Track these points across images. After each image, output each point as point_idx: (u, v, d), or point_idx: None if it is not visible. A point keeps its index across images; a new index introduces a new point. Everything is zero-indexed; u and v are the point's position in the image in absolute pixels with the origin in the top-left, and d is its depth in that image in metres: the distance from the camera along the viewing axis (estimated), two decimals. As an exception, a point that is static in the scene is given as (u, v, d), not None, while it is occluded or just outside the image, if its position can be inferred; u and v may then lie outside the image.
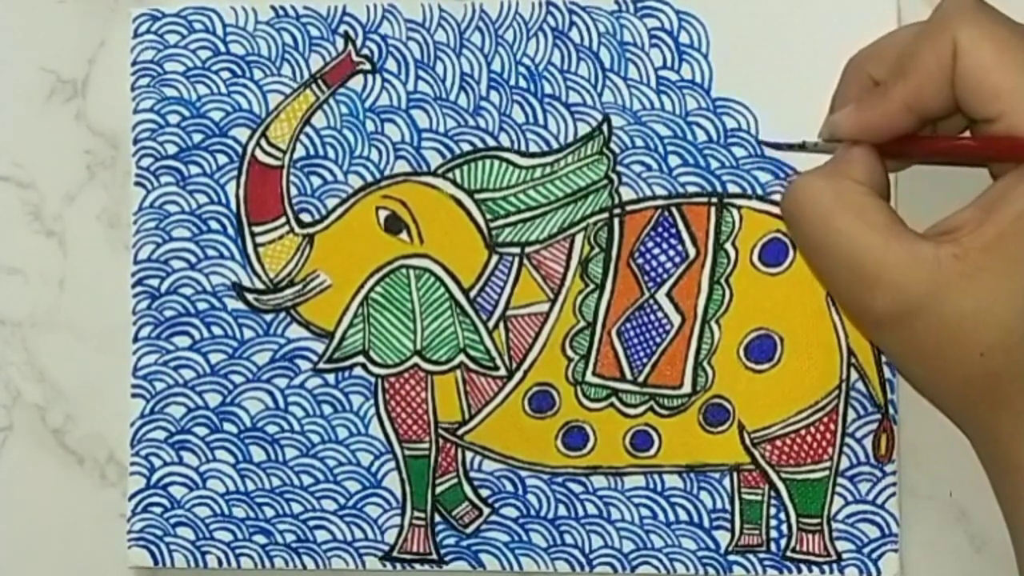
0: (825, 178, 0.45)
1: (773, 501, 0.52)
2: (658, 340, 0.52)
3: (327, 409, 0.54)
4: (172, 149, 0.54)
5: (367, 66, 0.54)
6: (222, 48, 0.54)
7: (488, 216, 0.53)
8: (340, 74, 0.54)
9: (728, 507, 0.52)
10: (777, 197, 0.51)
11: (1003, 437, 0.44)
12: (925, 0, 0.52)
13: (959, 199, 0.44)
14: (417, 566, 0.53)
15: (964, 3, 0.43)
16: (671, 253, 0.52)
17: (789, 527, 0.52)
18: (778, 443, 0.52)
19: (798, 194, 0.45)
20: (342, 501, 0.54)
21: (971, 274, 0.42)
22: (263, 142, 0.54)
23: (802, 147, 0.50)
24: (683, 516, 0.52)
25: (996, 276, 0.42)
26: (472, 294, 0.53)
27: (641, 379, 0.52)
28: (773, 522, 0.52)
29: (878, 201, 0.44)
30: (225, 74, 0.54)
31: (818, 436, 0.51)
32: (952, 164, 0.48)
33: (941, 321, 0.42)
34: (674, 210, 0.52)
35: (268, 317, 0.54)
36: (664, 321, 0.52)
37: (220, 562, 0.54)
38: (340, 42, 0.54)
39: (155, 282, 0.54)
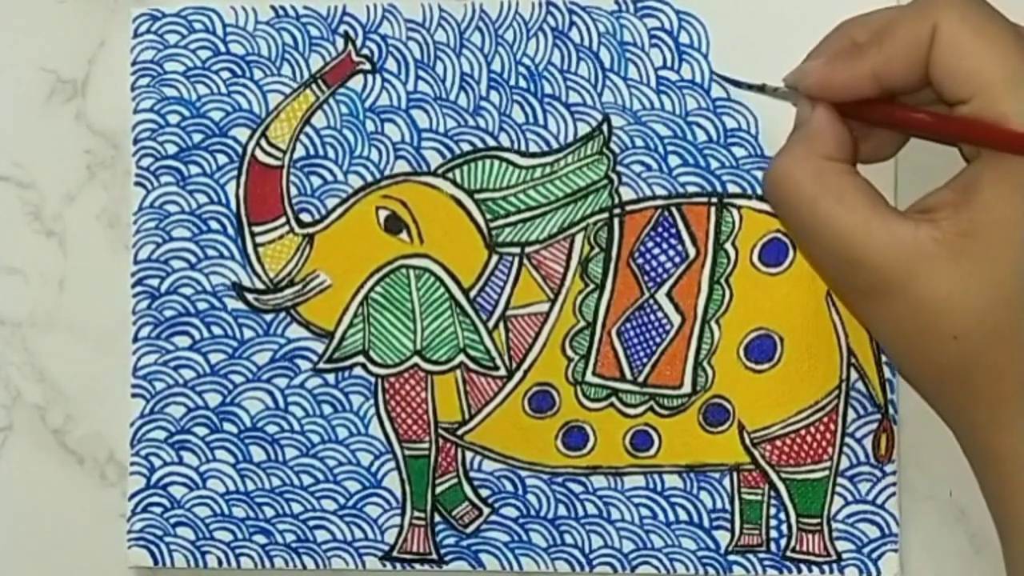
0: (803, 161, 0.45)
1: (773, 501, 0.52)
2: (658, 340, 0.52)
3: (327, 409, 0.54)
4: (172, 149, 0.54)
5: (367, 66, 0.54)
6: (222, 48, 0.54)
7: (488, 216, 0.53)
8: (340, 74, 0.54)
9: (728, 507, 0.52)
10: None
11: (980, 426, 0.44)
12: (925, 0, 0.52)
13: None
14: (417, 566, 0.53)
15: None
16: (671, 253, 0.52)
17: (789, 527, 0.52)
18: (778, 443, 0.52)
19: (779, 180, 0.46)
20: (342, 501, 0.54)
21: (948, 257, 0.43)
22: (263, 142, 0.54)
23: (761, 89, 0.50)
24: (683, 516, 0.52)
25: (973, 261, 0.43)
26: (472, 294, 0.53)
27: (641, 379, 0.52)
28: (773, 522, 0.52)
29: (856, 180, 0.45)
30: (225, 74, 0.54)
31: (818, 436, 0.51)
32: (914, 136, 0.49)
33: (918, 301, 0.43)
34: (674, 210, 0.52)
35: (268, 317, 0.54)
36: (664, 321, 0.52)
37: (220, 562, 0.54)
38: (340, 42, 0.54)
39: (155, 282, 0.54)
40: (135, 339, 0.55)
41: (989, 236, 0.42)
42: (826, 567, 0.51)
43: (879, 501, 0.51)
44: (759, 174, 0.52)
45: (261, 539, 0.54)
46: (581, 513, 0.53)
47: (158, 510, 0.54)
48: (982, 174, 0.43)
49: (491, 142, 0.53)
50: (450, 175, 0.53)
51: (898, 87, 0.45)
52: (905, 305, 0.44)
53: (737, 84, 0.51)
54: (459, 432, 0.53)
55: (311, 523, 0.54)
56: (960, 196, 0.43)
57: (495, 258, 0.53)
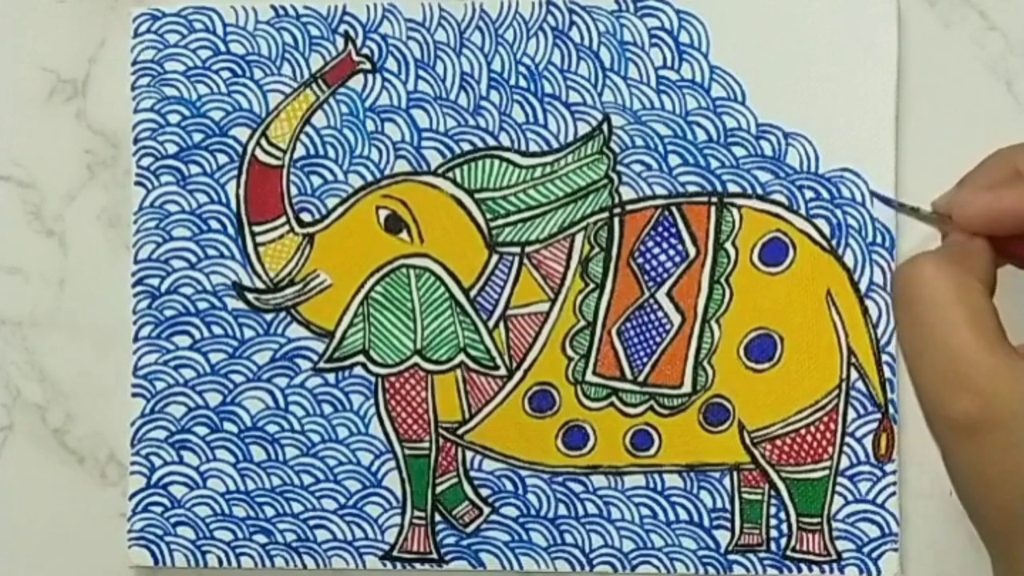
0: (948, 267, 0.43)
1: (773, 500, 0.52)
2: (658, 340, 0.52)
3: (327, 409, 0.54)
4: (172, 149, 0.54)
5: (367, 65, 0.54)
6: (222, 48, 0.54)
7: (488, 216, 0.53)
8: (340, 73, 0.54)
9: (728, 506, 0.52)
10: (777, 196, 0.52)
11: None
12: (926, 0, 0.52)
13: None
14: (417, 565, 0.53)
15: None
16: (671, 253, 0.52)
17: (789, 526, 0.52)
18: (778, 442, 0.52)
19: (915, 276, 0.43)
20: (342, 500, 0.54)
21: None
22: (263, 141, 0.54)
23: (915, 211, 0.48)
24: (683, 515, 0.52)
25: None
26: (472, 294, 0.53)
27: (641, 378, 0.52)
28: (773, 521, 0.52)
29: (992, 308, 0.43)
30: (225, 74, 0.54)
31: (818, 435, 0.51)
32: None
33: (1012, 442, 0.41)
34: (674, 210, 0.52)
35: (268, 317, 0.54)
36: (664, 321, 0.52)
37: (220, 561, 0.54)
38: (340, 41, 0.54)
39: (155, 282, 0.54)
40: (135, 339, 0.55)
41: None
42: (826, 566, 0.51)
43: (879, 500, 0.51)
44: (759, 174, 0.52)
45: (261, 538, 0.54)
46: (581, 512, 0.53)
47: (158, 509, 0.54)
48: None
49: (491, 142, 0.53)
50: (450, 175, 0.53)
51: None
52: (996, 442, 0.41)
53: (887, 202, 0.50)
54: (459, 431, 0.53)
55: (311, 522, 0.54)
56: None
57: (495, 258, 0.53)
